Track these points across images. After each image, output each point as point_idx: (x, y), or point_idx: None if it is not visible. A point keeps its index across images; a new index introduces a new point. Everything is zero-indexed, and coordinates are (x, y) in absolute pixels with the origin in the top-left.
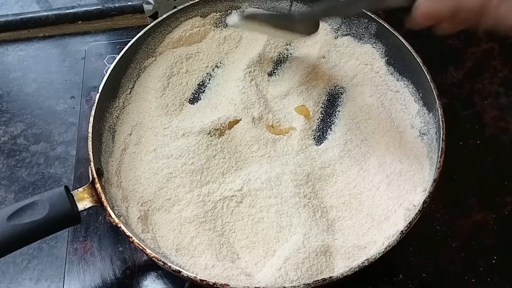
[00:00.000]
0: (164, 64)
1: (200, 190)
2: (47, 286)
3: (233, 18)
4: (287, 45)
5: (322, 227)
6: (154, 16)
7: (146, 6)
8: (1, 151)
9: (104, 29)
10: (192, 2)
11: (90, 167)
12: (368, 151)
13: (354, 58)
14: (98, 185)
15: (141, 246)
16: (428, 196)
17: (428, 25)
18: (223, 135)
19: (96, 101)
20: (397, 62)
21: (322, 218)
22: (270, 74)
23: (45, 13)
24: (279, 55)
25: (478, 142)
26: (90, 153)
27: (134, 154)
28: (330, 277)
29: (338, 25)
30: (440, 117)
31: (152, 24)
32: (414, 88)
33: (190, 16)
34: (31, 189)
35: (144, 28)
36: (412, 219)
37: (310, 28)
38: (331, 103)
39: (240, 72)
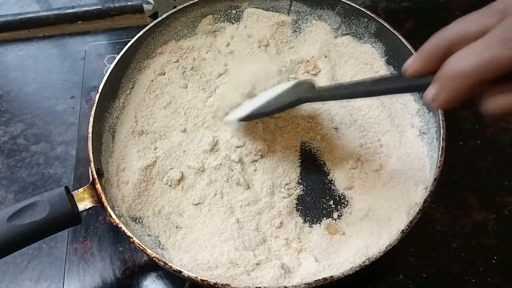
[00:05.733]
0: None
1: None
2: (47, 286)
3: (231, 119)
4: (290, 48)
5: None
6: (154, 16)
7: (146, 6)
8: (1, 151)
9: (104, 29)
10: (192, 2)
11: (90, 168)
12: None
13: (354, 57)
14: (98, 186)
15: (142, 246)
16: (429, 195)
17: None
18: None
19: (96, 101)
20: (397, 61)
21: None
22: None
23: (45, 13)
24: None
25: (478, 142)
26: (90, 153)
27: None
28: (331, 276)
29: (338, 25)
30: (440, 116)
31: (152, 24)
32: None
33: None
34: (31, 189)
35: (144, 28)
36: (413, 218)
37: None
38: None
39: None
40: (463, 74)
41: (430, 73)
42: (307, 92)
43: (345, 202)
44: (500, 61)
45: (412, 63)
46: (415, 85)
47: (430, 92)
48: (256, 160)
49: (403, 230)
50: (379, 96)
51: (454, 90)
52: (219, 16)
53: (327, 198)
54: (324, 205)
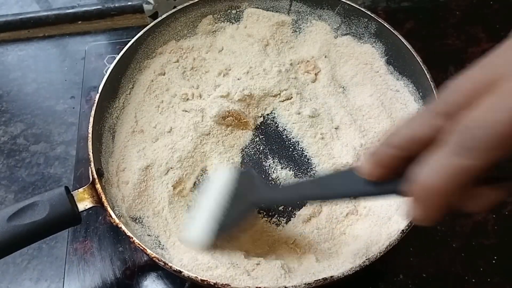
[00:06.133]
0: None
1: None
2: (47, 286)
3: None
4: (290, 48)
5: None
6: (154, 16)
7: (146, 6)
8: (1, 151)
9: (104, 29)
10: (192, 2)
11: (90, 168)
12: None
13: (354, 57)
14: (98, 186)
15: (142, 246)
16: None
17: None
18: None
19: (96, 101)
20: (397, 61)
21: None
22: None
23: (45, 13)
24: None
25: None
26: (90, 153)
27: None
28: (331, 276)
29: (338, 25)
30: None
31: (152, 24)
32: (414, 88)
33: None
34: (31, 189)
35: (144, 28)
36: None
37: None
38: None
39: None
40: (438, 190)
41: (389, 178)
42: (255, 193)
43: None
44: (469, 170)
45: (368, 170)
46: (383, 191)
47: (413, 213)
48: None
49: (403, 230)
50: (338, 200)
51: (437, 207)
52: (219, 16)
53: None
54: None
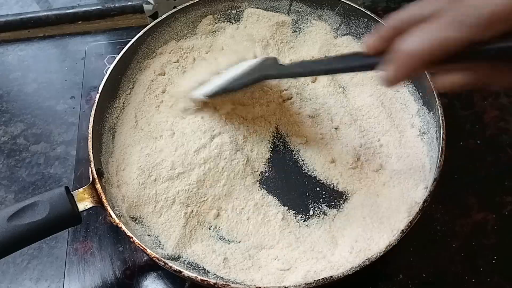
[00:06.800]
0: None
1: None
2: (47, 286)
3: (197, 95)
4: (290, 48)
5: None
6: (154, 16)
7: (146, 6)
8: (1, 151)
9: (104, 29)
10: (192, 2)
11: (90, 168)
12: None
13: None
14: (98, 186)
15: (142, 246)
16: (429, 195)
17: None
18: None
19: (96, 101)
20: None
21: None
22: None
23: (45, 13)
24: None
25: (478, 142)
26: (90, 153)
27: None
28: (331, 276)
29: (338, 25)
30: (440, 116)
31: (152, 24)
32: (414, 88)
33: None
34: (31, 189)
35: (144, 28)
36: (413, 218)
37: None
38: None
39: None
40: (413, 53)
41: (386, 52)
42: (269, 69)
43: (346, 202)
44: (448, 42)
45: (370, 42)
46: (370, 63)
47: (385, 71)
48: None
49: (403, 230)
50: (339, 73)
51: (405, 68)
52: (219, 16)
53: (327, 197)
54: (324, 205)
